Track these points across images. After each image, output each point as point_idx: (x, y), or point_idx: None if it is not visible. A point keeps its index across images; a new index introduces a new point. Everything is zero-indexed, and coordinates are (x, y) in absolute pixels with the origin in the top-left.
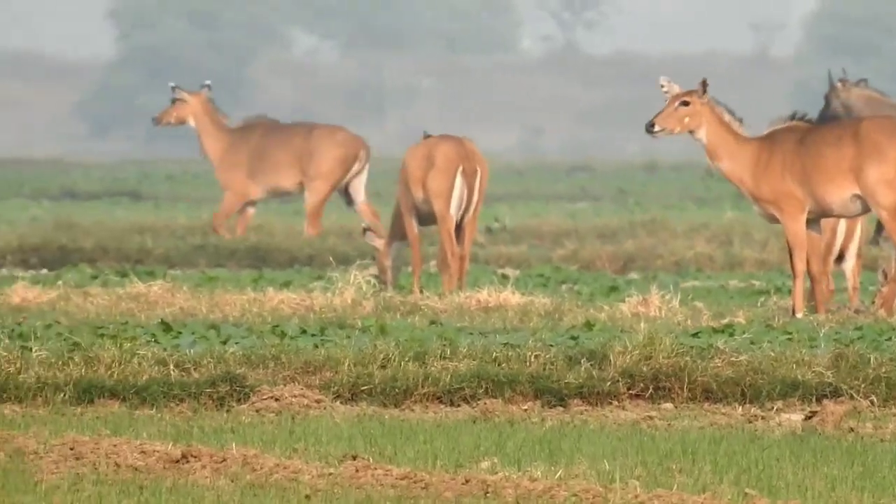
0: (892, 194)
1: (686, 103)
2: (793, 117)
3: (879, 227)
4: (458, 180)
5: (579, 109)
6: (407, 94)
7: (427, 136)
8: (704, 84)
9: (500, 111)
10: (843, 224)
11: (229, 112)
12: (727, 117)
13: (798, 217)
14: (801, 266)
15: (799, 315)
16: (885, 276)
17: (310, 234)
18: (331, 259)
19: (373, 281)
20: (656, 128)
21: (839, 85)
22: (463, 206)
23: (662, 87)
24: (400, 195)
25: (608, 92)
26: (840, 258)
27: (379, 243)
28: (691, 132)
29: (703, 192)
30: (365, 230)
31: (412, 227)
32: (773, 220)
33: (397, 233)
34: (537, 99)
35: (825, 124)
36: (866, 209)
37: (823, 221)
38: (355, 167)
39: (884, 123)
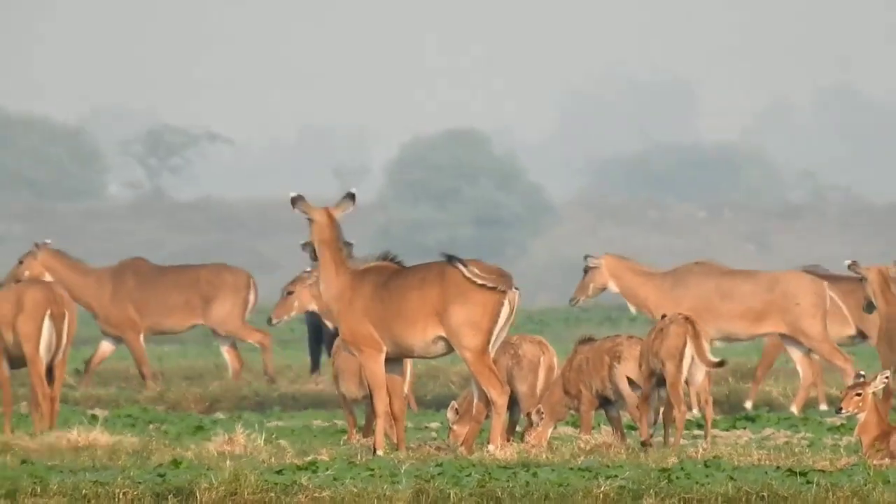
0: (478, 336)
1: (312, 220)
2: (385, 257)
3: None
4: (47, 324)
5: (166, 253)
6: None
7: (17, 282)
8: (354, 197)
9: (88, 257)
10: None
11: None
12: (340, 243)
13: (376, 358)
14: (381, 406)
15: (380, 453)
16: (457, 412)
17: None
18: None
19: None
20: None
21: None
22: (52, 349)
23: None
24: None
25: (193, 236)
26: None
27: None
28: (315, 257)
29: (288, 335)
30: None
31: (2, 369)
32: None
33: None
34: (125, 243)
35: (414, 266)
36: (449, 350)
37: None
38: None
39: (477, 267)
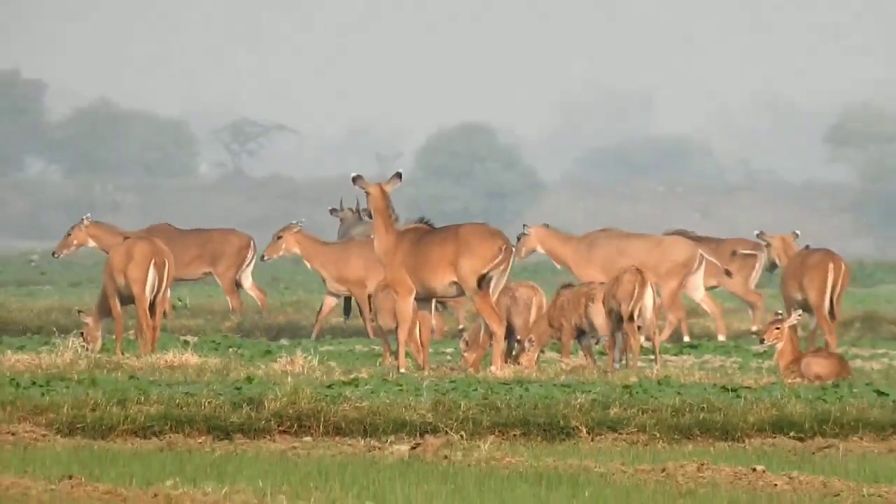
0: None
1: (369, 193)
2: (421, 220)
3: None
4: (151, 270)
5: (244, 220)
6: (113, 207)
7: (126, 238)
8: (401, 176)
9: (184, 222)
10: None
11: None
12: (390, 211)
13: (407, 299)
14: (403, 336)
15: (403, 370)
16: (468, 343)
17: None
18: (54, 329)
19: (86, 346)
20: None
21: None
22: (154, 290)
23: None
24: (106, 281)
25: (265, 206)
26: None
27: (89, 319)
28: (371, 216)
29: None
30: (79, 311)
31: (116, 305)
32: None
33: (105, 310)
34: (213, 212)
35: (437, 228)
36: (461, 293)
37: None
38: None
39: (477, 228)
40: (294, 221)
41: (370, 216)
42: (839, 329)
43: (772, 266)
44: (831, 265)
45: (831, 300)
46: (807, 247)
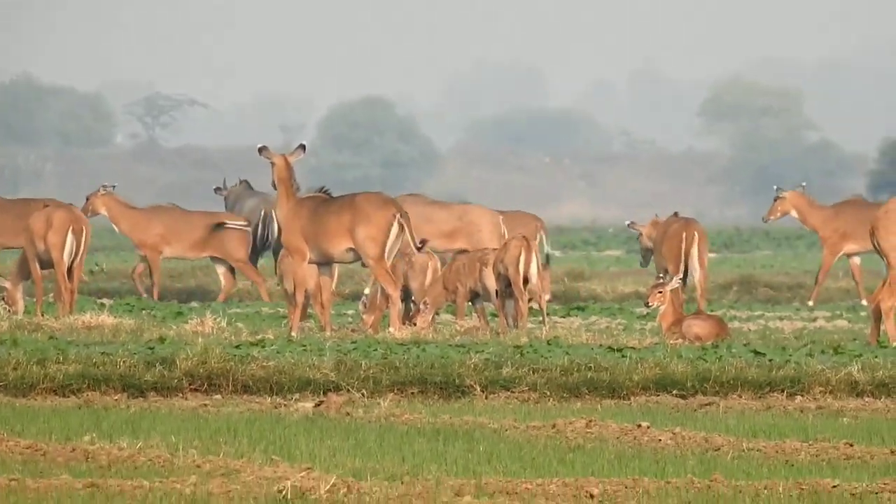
0: (376, 248)
1: (273, 163)
2: (320, 190)
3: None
4: (70, 237)
5: (159, 187)
6: (34, 175)
7: (46, 206)
8: (305, 147)
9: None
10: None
11: None
12: (292, 181)
13: (301, 264)
14: (300, 298)
15: (294, 335)
16: (365, 305)
17: None
18: None
19: (9, 309)
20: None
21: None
22: (73, 255)
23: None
24: (26, 247)
25: (178, 174)
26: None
27: (8, 284)
28: (275, 187)
29: None
30: None
31: (36, 269)
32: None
33: (24, 274)
34: (128, 180)
35: (335, 197)
36: (358, 258)
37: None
38: None
39: (372, 197)
40: (105, 185)
41: (274, 186)
42: (719, 292)
43: (645, 253)
44: (685, 234)
45: (686, 265)
46: (675, 214)
